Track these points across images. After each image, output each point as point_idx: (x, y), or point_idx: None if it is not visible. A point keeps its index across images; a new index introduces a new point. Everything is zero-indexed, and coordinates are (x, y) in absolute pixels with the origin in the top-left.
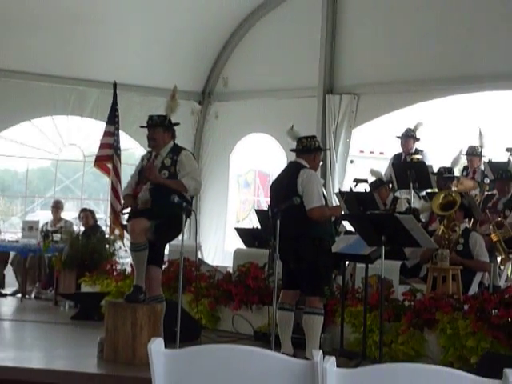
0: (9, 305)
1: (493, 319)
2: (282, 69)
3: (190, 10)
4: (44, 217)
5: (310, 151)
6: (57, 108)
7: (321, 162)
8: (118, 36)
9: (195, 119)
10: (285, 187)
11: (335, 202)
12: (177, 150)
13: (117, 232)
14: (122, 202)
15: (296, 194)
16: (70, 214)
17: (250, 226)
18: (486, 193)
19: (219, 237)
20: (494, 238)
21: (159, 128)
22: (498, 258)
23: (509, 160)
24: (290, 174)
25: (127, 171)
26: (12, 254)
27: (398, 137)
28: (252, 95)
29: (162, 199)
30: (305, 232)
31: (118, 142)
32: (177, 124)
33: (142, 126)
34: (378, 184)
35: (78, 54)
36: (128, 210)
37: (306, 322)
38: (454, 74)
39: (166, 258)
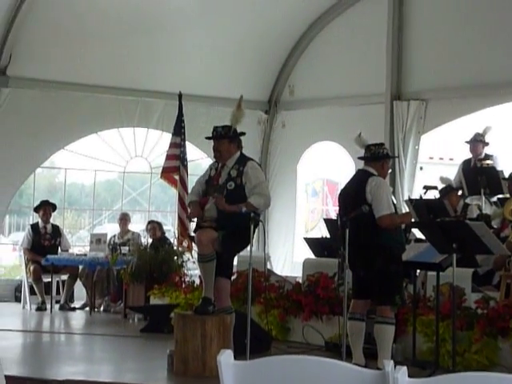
0: (78, 318)
1: None
2: (348, 75)
3: (254, 17)
4: (112, 229)
5: (378, 159)
6: (123, 120)
7: (389, 170)
8: (182, 46)
9: (262, 129)
10: (353, 195)
11: (405, 209)
12: (243, 160)
13: (185, 244)
14: (188, 209)
15: (365, 202)
16: (137, 226)
17: (319, 236)
18: None
19: (288, 247)
20: None
21: (224, 140)
22: None
23: None
24: (359, 182)
25: (194, 182)
26: (80, 267)
27: (467, 142)
28: (319, 103)
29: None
30: (375, 240)
31: (184, 153)
32: (242, 134)
33: (207, 138)
34: (448, 190)
35: (143, 66)
36: (195, 219)
37: (377, 331)
38: None
39: (234, 269)
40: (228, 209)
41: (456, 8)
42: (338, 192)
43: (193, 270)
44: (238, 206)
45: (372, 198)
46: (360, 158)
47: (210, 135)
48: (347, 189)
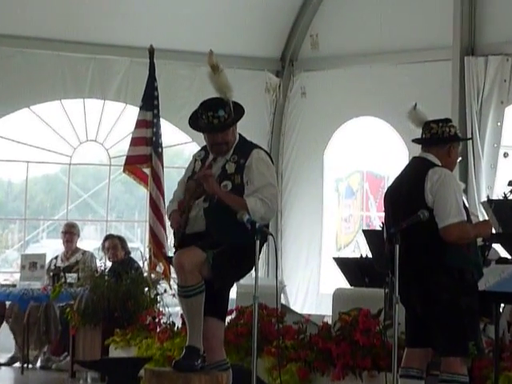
0: (4, 379)
1: None
2: (398, 22)
3: None
4: (52, 248)
5: (442, 141)
6: (68, 88)
7: (459, 158)
8: None
9: (271, 99)
10: (406, 196)
11: (482, 215)
12: (245, 148)
13: (160, 268)
14: (169, 222)
15: (423, 206)
16: (90, 243)
17: (357, 255)
18: None
19: (311, 271)
20: None
21: (230, 128)
22: None
23: None
24: (414, 177)
25: (173, 177)
26: (7, 303)
27: None
28: (355, 60)
29: (224, 218)
30: (438, 261)
31: (158, 135)
32: (240, 115)
33: (199, 129)
34: None
35: (96, 9)
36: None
37: None
38: None
39: (232, 306)
40: (216, 190)
41: None
42: (384, 191)
43: (172, 306)
44: (231, 196)
45: (434, 199)
46: (416, 141)
47: (197, 114)
48: (397, 186)
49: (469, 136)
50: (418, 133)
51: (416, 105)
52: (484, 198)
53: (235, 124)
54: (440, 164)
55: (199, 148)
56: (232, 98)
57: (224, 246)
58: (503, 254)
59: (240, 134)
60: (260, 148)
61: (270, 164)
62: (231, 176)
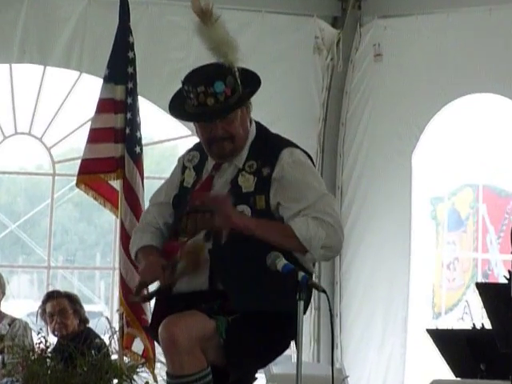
0: None
1: None
2: None
3: None
4: None
5: None
6: None
7: None
8: None
9: (324, 64)
10: None
11: None
12: (268, 147)
13: (137, 347)
14: (141, 267)
15: None
16: (21, 304)
17: (467, 325)
18: None
19: (391, 353)
20: None
21: (235, 112)
22: None
23: None
24: None
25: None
26: None
27: None
28: (463, 0)
29: (243, 266)
30: None
31: (134, 125)
32: (252, 80)
33: (189, 120)
34: None
35: None
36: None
37: None
38: None
39: None
40: (238, 222)
41: None
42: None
43: None
44: (268, 223)
45: None
46: None
47: (183, 96)
48: None
49: None
50: None
51: None
52: None
53: (246, 105)
54: None
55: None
56: (240, 63)
57: (244, 310)
58: None
59: (259, 124)
60: (293, 145)
61: (313, 168)
62: (249, 197)
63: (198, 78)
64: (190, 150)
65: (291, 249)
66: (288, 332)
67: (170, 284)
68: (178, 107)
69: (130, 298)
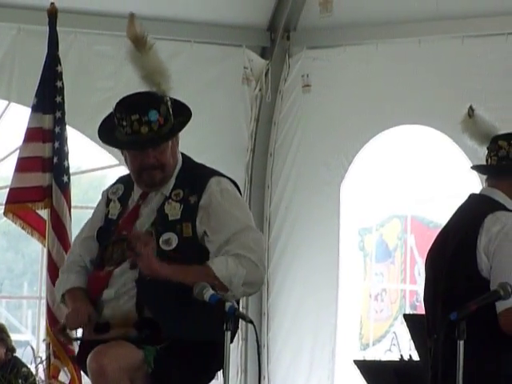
0: None
1: None
2: None
3: None
4: None
5: None
6: None
7: None
8: None
9: (252, 94)
10: (451, 256)
11: None
12: (195, 176)
13: (64, 377)
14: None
15: (475, 273)
16: None
17: (395, 357)
18: None
19: (319, 382)
20: None
21: (167, 142)
22: None
23: None
24: (465, 226)
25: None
26: None
27: None
28: (393, 31)
29: (170, 295)
30: (495, 366)
31: (62, 154)
32: (183, 111)
33: (122, 147)
34: None
35: None
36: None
37: None
38: None
39: None
40: (170, 276)
41: None
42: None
43: None
44: (188, 269)
45: (491, 264)
46: (476, 169)
47: (113, 124)
48: (442, 241)
49: None
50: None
51: (472, 109)
52: None
53: (176, 135)
54: (509, 206)
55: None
56: (170, 93)
57: (173, 338)
58: None
59: (184, 155)
60: (220, 174)
61: (241, 200)
62: (175, 225)
63: (132, 105)
64: (113, 184)
65: (212, 288)
66: (215, 362)
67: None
68: (109, 134)
69: (56, 335)
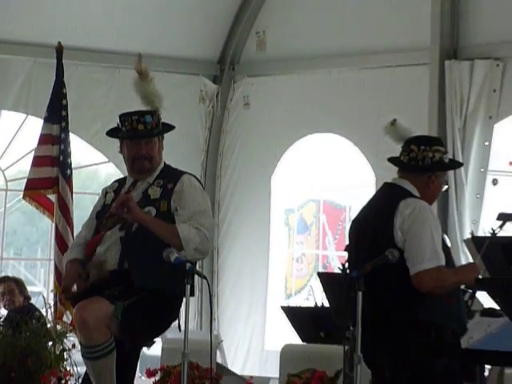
0: None
1: None
2: (363, 18)
3: None
4: None
5: (420, 170)
6: None
7: (444, 187)
8: None
9: (207, 110)
10: (372, 232)
11: (466, 257)
12: (172, 173)
13: (67, 318)
14: (64, 274)
15: (392, 245)
16: None
17: (310, 304)
18: None
19: (254, 324)
20: None
21: (155, 138)
22: None
23: None
24: (383, 208)
25: (85, 205)
26: None
27: None
28: (311, 64)
29: (145, 253)
30: (410, 315)
31: (66, 153)
32: (169, 128)
33: (124, 137)
34: None
35: None
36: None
37: None
38: None
39: (155, 365)
40: (139, 216)
41: None
42: (347, 225)
43: (82, 365)
44: (159, 222)
45: (405, 238)
46: (392, 162)
47: (118, 127)
48: (362, 220)
49: (460, 162)
50: (388, 154)
51: (395, 121)
52: (468, 235)
53: (162, 135)
54: (417, 194)
55: (116, 169)
56: (161, 110)
57: (139, 294)
58: (489, 303)
59: (165, 162)
60: (191, 174)
61: (204, 192)
62: (155, 202)
63: (133, 111)
64: (111, 183)
65: (172, 244)
66: (174, 312)
67: (84, 288)
68: (113, 133)
69: (60, 294)
